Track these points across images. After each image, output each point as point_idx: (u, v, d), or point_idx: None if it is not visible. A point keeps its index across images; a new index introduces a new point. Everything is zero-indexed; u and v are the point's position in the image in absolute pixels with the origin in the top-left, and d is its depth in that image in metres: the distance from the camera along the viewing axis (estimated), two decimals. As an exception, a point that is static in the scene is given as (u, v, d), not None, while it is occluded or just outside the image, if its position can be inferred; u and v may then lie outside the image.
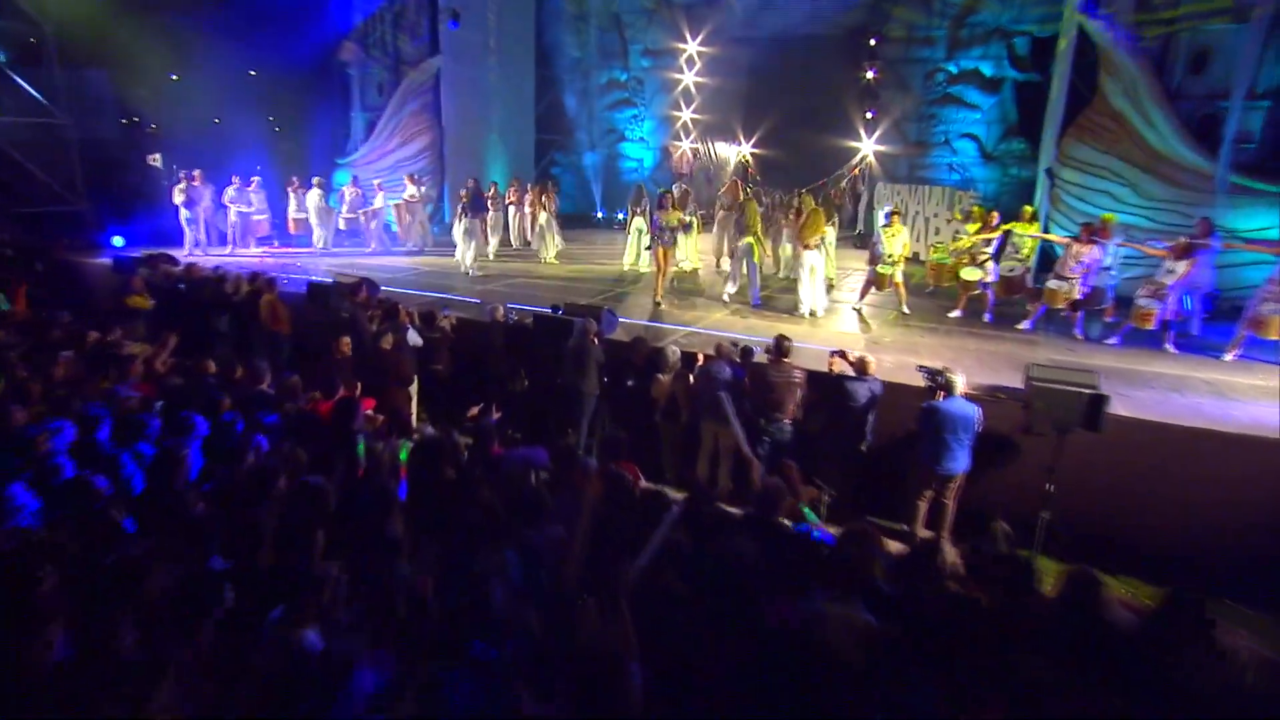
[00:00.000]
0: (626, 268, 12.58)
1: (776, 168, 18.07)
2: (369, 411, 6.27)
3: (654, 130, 19.60)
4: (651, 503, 3.94)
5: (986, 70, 14.77)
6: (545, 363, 8.06)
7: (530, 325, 8.30)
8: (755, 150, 18.90)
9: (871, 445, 6.65)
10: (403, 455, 4.48)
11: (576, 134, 20.33)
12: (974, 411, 5.92)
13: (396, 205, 14.03)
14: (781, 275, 11.49)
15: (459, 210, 12.05)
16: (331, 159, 16.06)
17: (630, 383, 7.53)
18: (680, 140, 18.54)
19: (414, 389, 7.85)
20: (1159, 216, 9.84)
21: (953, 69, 15.09)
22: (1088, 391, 5.63)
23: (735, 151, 19.50)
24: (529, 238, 14.54)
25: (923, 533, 6.44)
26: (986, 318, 9.30)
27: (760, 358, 7.14)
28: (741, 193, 13.02)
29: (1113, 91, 10.22)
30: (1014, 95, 14.75)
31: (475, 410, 5.61)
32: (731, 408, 5.12)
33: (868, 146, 16.29)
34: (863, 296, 9.94)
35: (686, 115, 18.80)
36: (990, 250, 9.13)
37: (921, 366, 6.27)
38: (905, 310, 9.66)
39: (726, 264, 12.36)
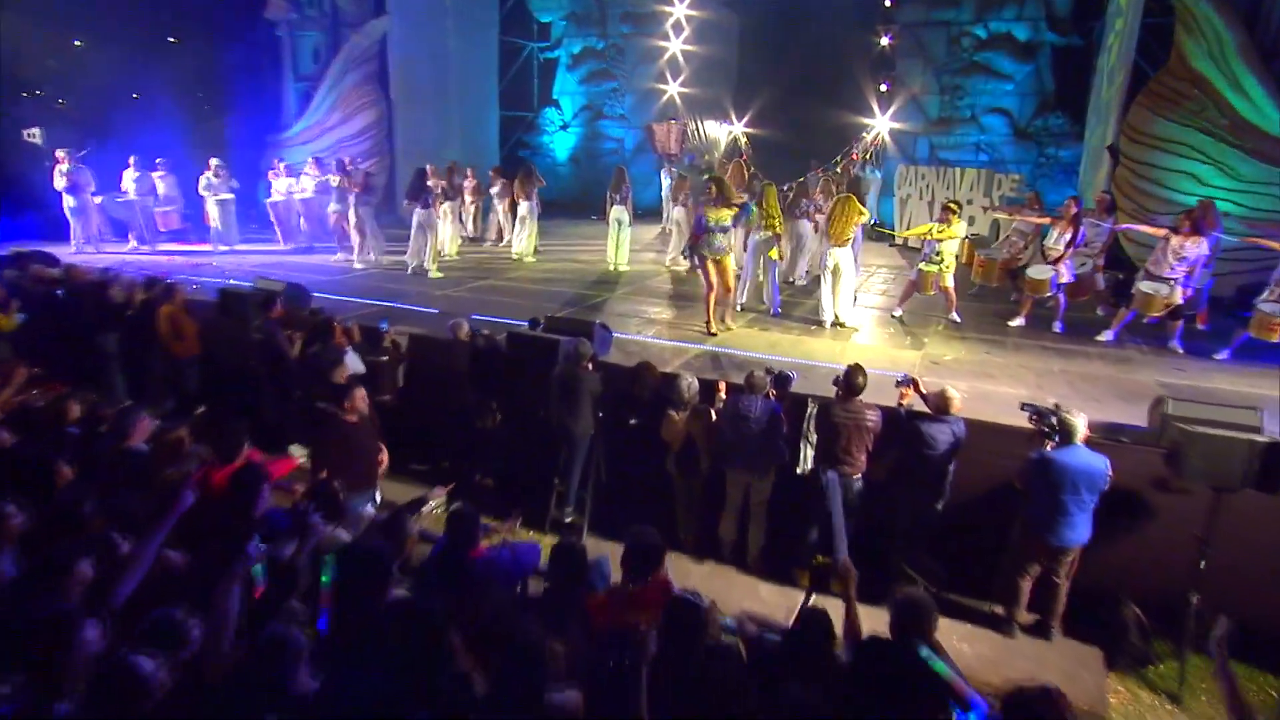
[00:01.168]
0: (611, 267, 11.27)
1: (774, 149, 16.71)
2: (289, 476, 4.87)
3: (635, 106, 18.29)
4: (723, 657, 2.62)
5: (1020, 34, 13.74)
6: (523, 394, 6.74)
7: (503, 346, 6.95)
8: (749, 129, 17.41)
9: (949, 502, 5.42)
10: (324, 577, 3.11)
11: (547, 110, 18.93)
12: (1102, 465, 4.72)
13: (305, 198, 12.47)
14: (800, 280, 10.21)
15: (350, 195, 10.78)
16: (263, 137, 14.47)
17: (633, 421, 6.23)
18: (669, 117, 17.19)
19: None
20: (1252, 201, 8.81)
21: (981, 33, 14.04)
22: (1261, 440, 4.45)
23: (726, 131, 18.26)
24: (505, 233, 13.14)
25: (1024, 617, 5.24)
26: (1057, 327, 8.17)
27: (790, 388, 5.87)
28: (747, 175, 11.81)
29: (1193, 53, 9.14)
30: (1051, 63, 13.73)
31: (440, 495, 4.25)
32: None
33: (881, 123, 15.09)
34: (903, 302, 8.76)
35: (673, 89, 17.53)
36: (1063, 247, 7.96)
37: (1027, 404, 5.06)
38: (956, 318, 8.51)
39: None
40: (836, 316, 8.23)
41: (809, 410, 5.98)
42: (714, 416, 5.94)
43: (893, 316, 8.73)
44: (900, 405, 5.58)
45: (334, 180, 11.14)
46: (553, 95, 19.10)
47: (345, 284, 9.99)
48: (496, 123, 18.33)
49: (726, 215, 7.58)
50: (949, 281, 8.39)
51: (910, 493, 5.38)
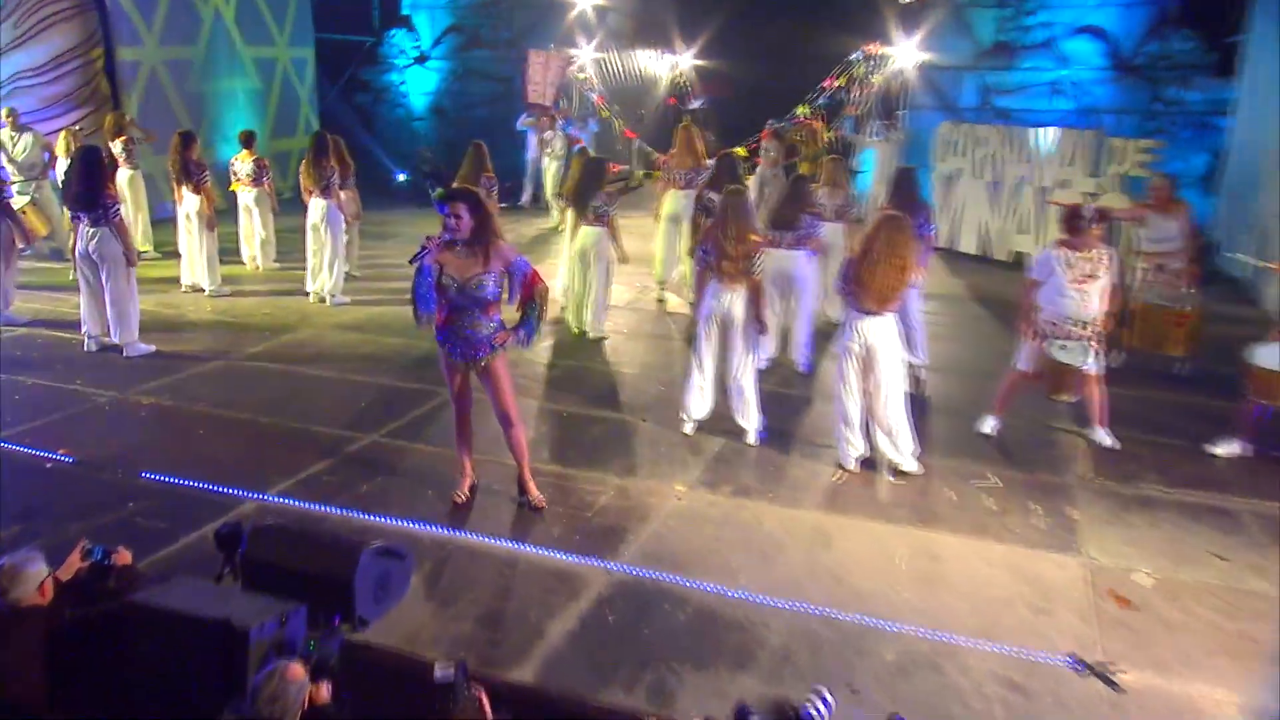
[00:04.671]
0: (576, 330, 8.09)
1: (743, 92, 15.07)
2: None
3: (529, 29, 16.02)
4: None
5: (1124, -90, 11.71)
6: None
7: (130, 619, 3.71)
8: (701, 62, 16.16)
9: None
10: None
11: (395, 34, 16.47)
12: None
13: None
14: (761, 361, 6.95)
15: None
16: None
17: None
18: (577, 45, 14.52)
19: None
20: None
21: (1064, -91, 12.09)
22: None
23: (670, 66, 16.57)
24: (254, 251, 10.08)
25: None
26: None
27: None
28: (702, 147, 9.00)
29: None
30: (1174, -45, 11.63)
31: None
32: None
33: (906, 54, 12.88)
34: (1002, 409, 5.89)
35: (587, 2, 15.23)
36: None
37: None
38: (1105, 441, 5.70)
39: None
40: (892, 463, 5.24)
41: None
42: None
43: (980, 433, 5.84)
44: None
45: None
46: (402, 10, 16.72)
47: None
48: (312, 52, 15.41)
49: (484, 276, 4.46)
50: (1095, 364, 5.50)
51: None
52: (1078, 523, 4.80)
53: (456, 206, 4.42)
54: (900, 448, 5.24)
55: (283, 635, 3.42)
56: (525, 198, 13.54)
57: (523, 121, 13.24)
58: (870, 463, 5.34)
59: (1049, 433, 5.96)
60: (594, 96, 14.24)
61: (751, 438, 5.67)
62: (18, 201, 9.22)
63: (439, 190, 4.89)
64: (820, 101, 13.21)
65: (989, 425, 5.85)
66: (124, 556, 4.05)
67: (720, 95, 15.86)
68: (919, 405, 5.90)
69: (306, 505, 4.80)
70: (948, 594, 4.14)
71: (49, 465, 5.24)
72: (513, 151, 13.39)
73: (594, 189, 7.49)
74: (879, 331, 5.14)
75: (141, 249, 10.20)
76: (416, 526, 4.59)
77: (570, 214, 7.87)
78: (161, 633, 3.47)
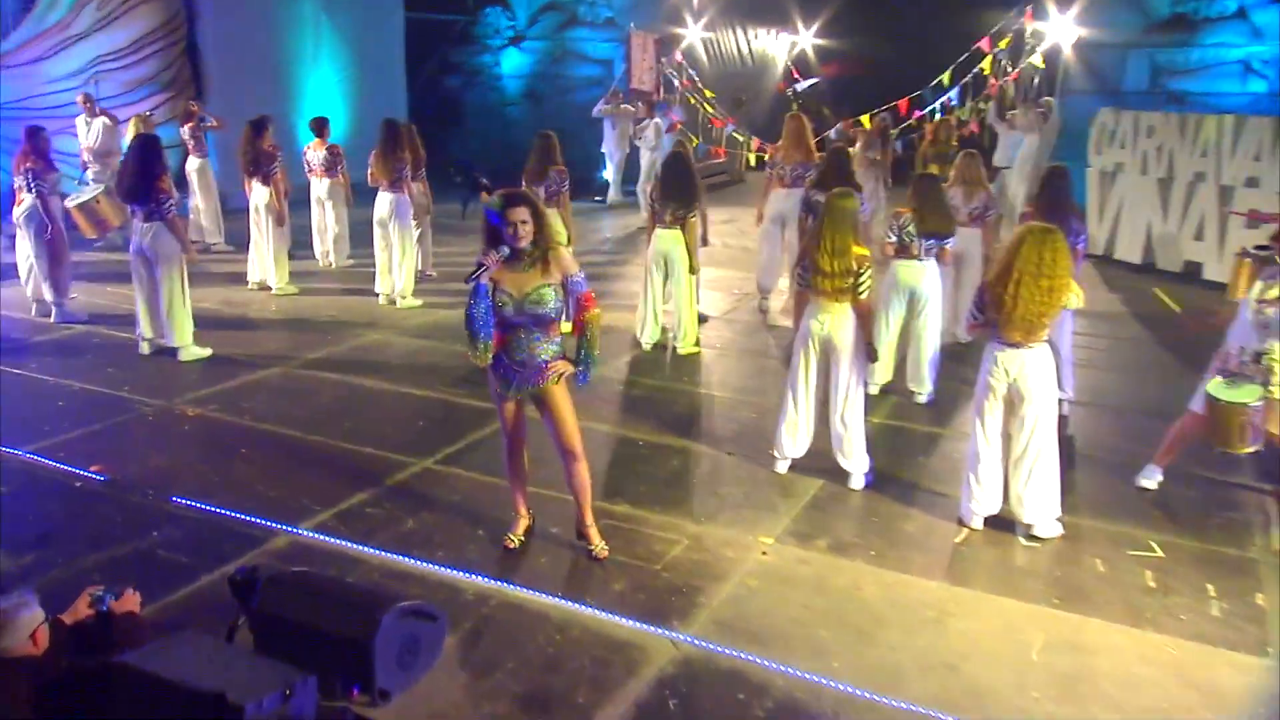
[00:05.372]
0: (648, 345, 7.71)
1: (871, 68, 15.06)
2: None
3: (633, 4, 15.93)
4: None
5: None
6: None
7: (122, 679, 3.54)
8: (821, 41, 16.19)
9: None
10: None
11: (489, 12, 16.62)
12: None
13: None
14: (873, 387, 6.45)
15: None
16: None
17: None
18: (684, 24, 14.31)
19: None
20: None
21: None
22: None
23: (788, 44, 16.70)
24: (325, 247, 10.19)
25: None
26: None
27: None
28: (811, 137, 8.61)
29: None
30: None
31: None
32: None
33: (1058, 29, 12.32)
34: (1170, 456, 5.31)
35: None
36: None
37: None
38: None
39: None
40: (1027, 524, 4.79)
41: None
42: None
43: (1140, 488, 5.28)
44: None
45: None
46: (498, -14, 17.14)
47: None
48: (400, 31, 15.74)
49: (545, 288, 4.16)
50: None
51: None
52: (1266, 613, 4.18)
53: (518, 212, 4.12)
54: (1040, 506, 4.70)
55: (286, 712, 3.17)
56: (611, 195, 13.40)
57: (600, 108, 13.10)
58: (1001, 521, 4.82)
59: (1229, 491, 5.35)
60: (679, 81, 14.01)
61: (856, 481, 5.24)
62: (92, 189, 9.53)
63: (494, 199, 4.52)
64: (956, 89, 12.68)
65: (1151, 478, 5.29)
66: (130, 601, 3.88)
67: (841, 75, 15.44)
68: (1063, 450, 5.34)
69: (342, 543, 4.58)
70: (1091, 697, 3.60)
71: (78, 484, 5.19)
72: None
73: (682, 190, 7.15)
74: (1027, 366, 4.61)
75: (211, 241, 10.44)
76: (460, 574, 4.31)
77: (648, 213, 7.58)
78: (148, 702, 3.27)
